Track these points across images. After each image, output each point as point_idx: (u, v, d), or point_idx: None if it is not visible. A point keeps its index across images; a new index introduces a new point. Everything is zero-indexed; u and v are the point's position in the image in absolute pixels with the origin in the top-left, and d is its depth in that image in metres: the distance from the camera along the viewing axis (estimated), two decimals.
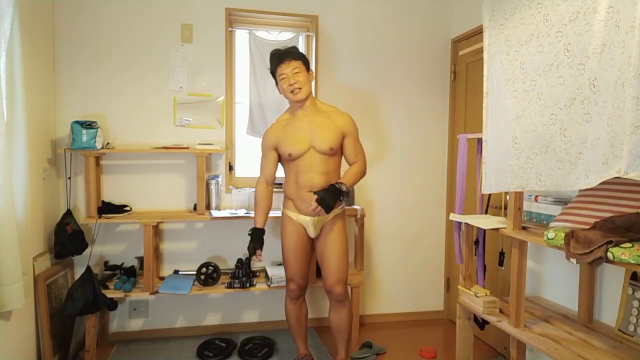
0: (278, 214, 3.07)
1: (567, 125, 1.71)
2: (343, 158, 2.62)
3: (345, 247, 2.58)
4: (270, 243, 3.29)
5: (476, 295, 2.32)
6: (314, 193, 2.41)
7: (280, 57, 2.48)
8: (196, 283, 2.94)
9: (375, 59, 3.44)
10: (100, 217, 2.85)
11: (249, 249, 2.55)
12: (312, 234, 2.56)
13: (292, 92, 2.46)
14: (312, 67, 3.31)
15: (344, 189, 2.46)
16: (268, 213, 2.63)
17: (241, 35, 3.27)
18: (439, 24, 3.52)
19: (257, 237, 2.56)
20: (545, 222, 2.24)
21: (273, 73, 2.53)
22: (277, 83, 2.54)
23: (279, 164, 2.62)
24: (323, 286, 2.62)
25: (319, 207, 2.38)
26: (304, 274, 2.62)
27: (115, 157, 3.05)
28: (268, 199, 2.61)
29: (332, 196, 2.40)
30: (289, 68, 2.45)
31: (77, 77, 2.97)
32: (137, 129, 3.07)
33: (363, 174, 2.59)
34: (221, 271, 3.01)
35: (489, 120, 2.18)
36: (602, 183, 1.63)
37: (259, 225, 2.58)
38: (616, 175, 1.47)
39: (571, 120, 1.69)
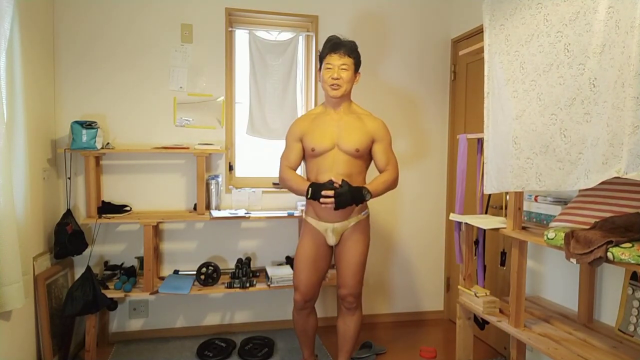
0: (282, 213, 3.09)
1: (567, 125, 1.71)
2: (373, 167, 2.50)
3: (365, 256, 2.47)
4: (271, 243, 3.30)
5: (476, 295, 2.32)
6: (341, 183, 2.23)
7: (334, 46, 2.37)
8: (196, 283, 2.94)
9: (375, 59, 3.44)
10: (100, 217, 2.85)
11: (314, 196, 2.24)
12: (331, 241, 2.45)
13: (330, 85, 2.36)
14: (315, 68, 3.32)
15: (368, 198, 2.29)
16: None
17: (241, 35, 3.27)
18: (439, 24, 3.52)
19: (315, 185, 2.27)
20: (545, 222, 2.24)
21: (321, 58, 2.42)
22: (320, 69, 2.44)
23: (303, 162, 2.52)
24: (336, 292, 2.56)
25: (331, 200, 2.19)
26: (311, 285, 2.46)
27: (115, 157, 3.05)
28: (295, 172, 2.44)
29: (351, 197, 2.22)
30: (339, 61, 2.35)
31: (77, 77, 2.96)
32: (137, 129, 3.07)
33: (393, 183, 2.44)
34: (221, 271, 3.01)
35: (490, 121, 2.18)
36: (602, 183, 1.63)
37: (308, 183, 2.33)
38: (616, 175, 1.47)
39: (571, 120, 1.69)
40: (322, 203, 2.23)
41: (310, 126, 2.44)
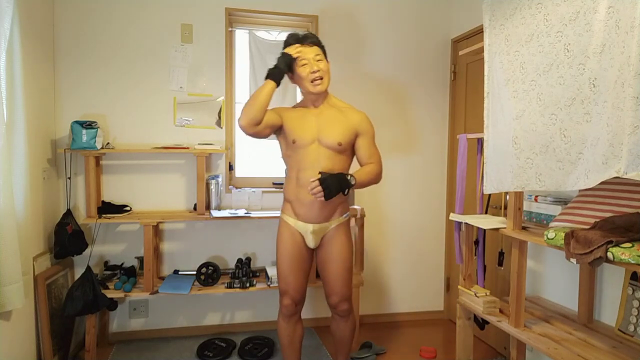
0: (277, 213, 3.09)
1: (567, 125, 1.71)
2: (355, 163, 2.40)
3: (351, 261, 2.36)
4: (271, 243, 3.30)
5: (476, 295, 2.32)
6: (319, 173, 2.11)
7: (301, 39, 2.23)
8: (196, 283, 2.94)
9: (374, 59, 3.44)
10: (100, 217, 2.85)
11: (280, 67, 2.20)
12: (310, 243, 2.32)
13: (312, 81, 2.20)
14: None
15: (353, 183, 2.13)
16: None
17: (241, 35, 3.27)
18: (439, 24, 3.52)
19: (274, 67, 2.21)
20: (545, 222, 2.24)
21: (288, 61, 2.24)
22: (292, 74, 2.28)
23: (282, 160, 2.41)
24: (326, 301, 2.43)
25: (319, 189, 2.04)
26: (300, 288, 2.33)
27: (115, 157, 3.05)
28: None
29: (338, 183, 2.08)
30: (312, 53, 2.20)
31: (77, 77, 2.96)
32: (137, 129, 3.07)
33: (377, 176, 2.29)
34: (221, 271, 3.01)
35: (490, 121, 2.18)
36: (602, 183, 1.63)
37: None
38: (616, 175, 1.47)
39: (571, 120, 1.69)
40: (311, 191, 2.08)
41: (291, 115, 2.31)
